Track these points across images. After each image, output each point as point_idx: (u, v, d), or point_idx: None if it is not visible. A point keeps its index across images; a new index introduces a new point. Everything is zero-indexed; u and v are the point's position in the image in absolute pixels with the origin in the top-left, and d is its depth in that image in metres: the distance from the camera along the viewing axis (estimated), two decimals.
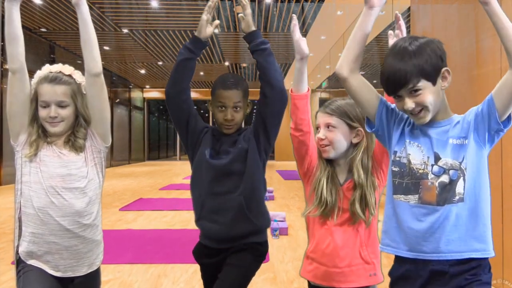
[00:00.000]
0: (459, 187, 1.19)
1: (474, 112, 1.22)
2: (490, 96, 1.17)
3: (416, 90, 1.18)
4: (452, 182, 1.19)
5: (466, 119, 1.23)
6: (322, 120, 1.51)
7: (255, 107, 1.78)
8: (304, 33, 10.77)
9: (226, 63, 14.63)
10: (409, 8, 7.39)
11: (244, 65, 14.96)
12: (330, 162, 1.53)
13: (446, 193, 1.19)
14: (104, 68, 1.65)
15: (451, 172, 1.20)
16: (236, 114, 1.70)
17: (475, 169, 1.20)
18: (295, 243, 4.24)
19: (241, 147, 1.69)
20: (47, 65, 1.61)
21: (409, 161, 1.24)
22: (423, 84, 1.18)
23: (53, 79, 1.55)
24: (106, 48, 12.09)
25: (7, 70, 1.56)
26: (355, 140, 1.51)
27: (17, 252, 1.57)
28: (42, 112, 1.55)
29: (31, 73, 1.55)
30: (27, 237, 1.54)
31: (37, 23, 9.82)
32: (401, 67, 1.18)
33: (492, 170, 2.77)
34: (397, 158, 1.27)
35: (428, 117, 1.22)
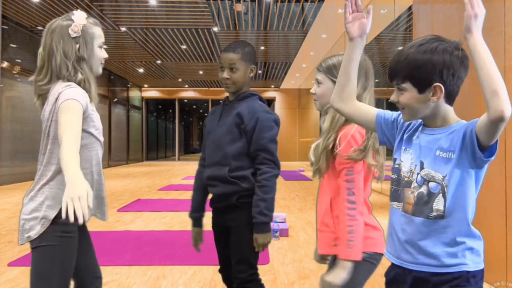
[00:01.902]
0: (438, 204, 1.16)
1: (463, 130, 1.15)
2: (475, 122, 1.11)
3: (400, 89, 1.22)
4: (431, 195, 1.17)
5: (459, 132, 1.16)
6: (316, 75, 1.71)
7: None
8: (305, 32, 10.75)
9: None
10: (409, 8, 7.38)
11: None
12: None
13: (422, 206, 1.18)
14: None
15: (430, 184, 1.18)
16: (233, 74, 1.85)
17: (456, 188, 1.15)
18: (295, 245, 4.21)
19: (231, 121, 1.83)
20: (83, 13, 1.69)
21: (401, 169, 1.26)
22: (407, 86, 1.20)
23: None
24: (104, 46, 12.03)
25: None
26: None
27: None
28: (102, 53, 1.77)
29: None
30: None
31: (34, 21, 9.78)
32: (397, 63, 1.20)
33: (495, 171, 2.77)
34: (396, 165, 1.28)
35: (407, 118, 1.25)
